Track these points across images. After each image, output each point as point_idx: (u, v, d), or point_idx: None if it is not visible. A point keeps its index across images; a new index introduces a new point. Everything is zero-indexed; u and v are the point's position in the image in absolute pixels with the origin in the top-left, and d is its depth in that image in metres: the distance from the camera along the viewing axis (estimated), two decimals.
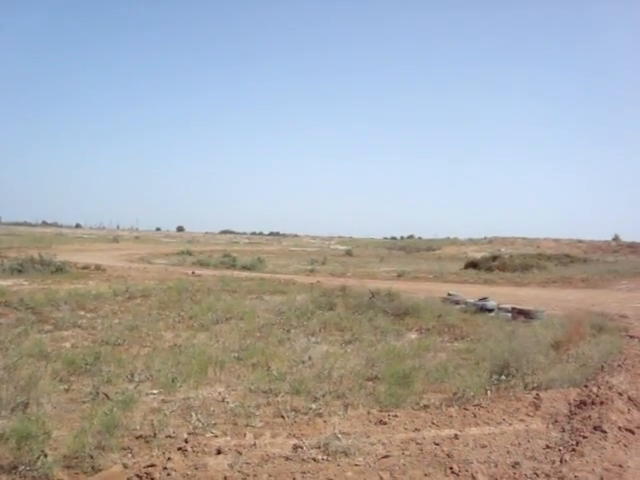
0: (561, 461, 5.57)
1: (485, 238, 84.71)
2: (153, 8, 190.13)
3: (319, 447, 5.73)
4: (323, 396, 7.67)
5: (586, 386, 8.33)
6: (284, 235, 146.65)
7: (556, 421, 6.95)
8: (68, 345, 10.82)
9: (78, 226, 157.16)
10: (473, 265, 40.73)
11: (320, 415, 6.98)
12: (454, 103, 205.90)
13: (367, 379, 8.83)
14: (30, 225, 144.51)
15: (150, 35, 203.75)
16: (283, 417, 6.90)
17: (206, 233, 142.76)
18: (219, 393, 7.92)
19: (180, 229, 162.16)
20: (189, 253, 50.11)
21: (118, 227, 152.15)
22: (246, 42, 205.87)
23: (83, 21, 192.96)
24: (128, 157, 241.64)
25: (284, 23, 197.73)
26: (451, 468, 5.40)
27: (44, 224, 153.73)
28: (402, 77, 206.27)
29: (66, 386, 8.05)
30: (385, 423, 6.67)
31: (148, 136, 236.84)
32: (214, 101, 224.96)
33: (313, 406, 7.26)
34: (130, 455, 5.66)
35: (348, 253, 67.17)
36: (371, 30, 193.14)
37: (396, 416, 6.93)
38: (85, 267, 30.26)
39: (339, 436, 5.96)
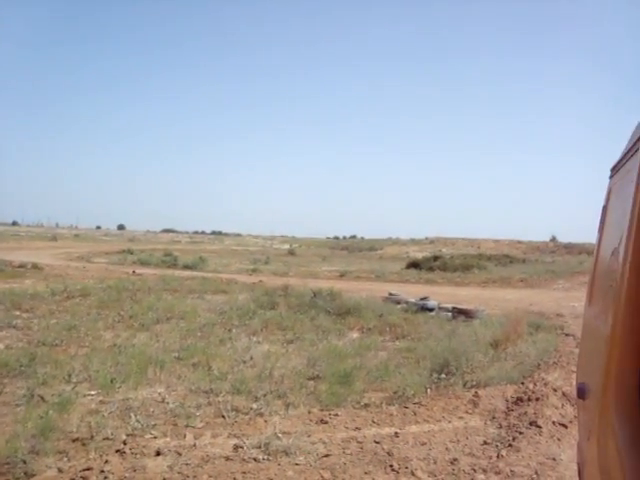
0: (498, 456, 5.69)
1: (427, 238, 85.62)
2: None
3: (260, 447, 5.72)
4: (264, 396, 7.67)
5: (523, 383, 8.53)
6: (226, 234, 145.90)
7: (494, 418, 7.08)
8: (1, 346, 10.53)
9: (15, 223, 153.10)
10: (414, 265, 41.09)
11: (261, 415, 6.97)
12: (384, 99, 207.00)
13: (308, 378, 8.84)
14: None
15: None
16: (224, 417, 6.86)
17: (147, 232, 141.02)
18: (159, 393, 7.83)
19: (121, 227, 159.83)
20: (130, 252, 49.34)
21: (57, 225, 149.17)
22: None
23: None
24: (68, 153, 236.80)
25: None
26: (391, 466, 5.45)
27: None
28: (352, 71, 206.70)
29: None
30: (326, 422, 6.70)
31: (90, 132, 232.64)
32: (155, 97, 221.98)
33: (254, 406, 7.25)
34: (66, 459, 5.54)
35: (291, 252, 67.06)
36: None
37: (337, 415, 6.97)
38: (21, 266, 29.49)
39: (280, 435, 5.97)
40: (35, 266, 29.33)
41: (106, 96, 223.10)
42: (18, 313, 14.19)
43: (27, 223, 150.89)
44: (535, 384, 8.35)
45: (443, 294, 21.39)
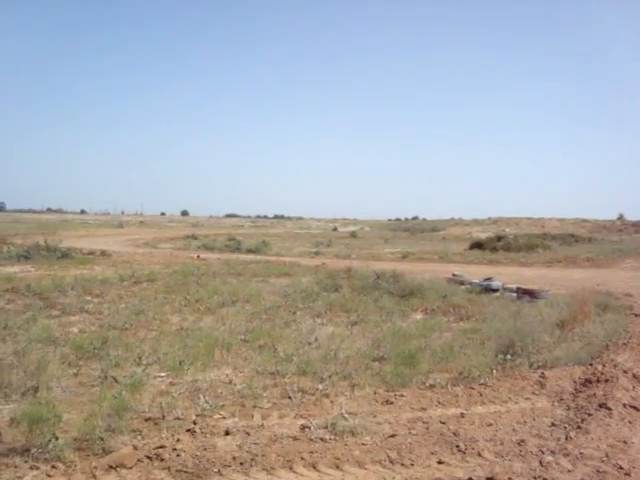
0: (566, 438, 5.62)
1: (489, 218, 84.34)
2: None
3: (326, 427, 5.79)
4: (330, 377, 7.73)
5: (591, 364, 8.37)
6: (288, 218, 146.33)
7: (561, 399, 6.99)
8: (76, 330, 10.89)
9: (83, 212, 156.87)
10: (478, 245, 40.63)
11: (327, 395, 7.04)
12: (457, 86, 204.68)
13: (373, 359, 8.87)
14: (35, 212, 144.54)
15: (150, 22, 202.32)
16: (290, 398, 6.94)
17: (210, 217, 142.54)
18: (226, 375, 7.98)
19: (184, 213, 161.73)
20: (194, 237, 50.08)
21: (123, 212, 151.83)
22: (246, 26, 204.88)
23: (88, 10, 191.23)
24: (132, 142, 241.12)
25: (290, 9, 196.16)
26: (457, 446, 5.45)
27: (49, 211, 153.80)
28: (406, 62, 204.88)
29: (75, 370, 8.11)
30: (392, 403, 6.73)
31: (152, 121, 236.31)
32: (216, 86, 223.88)
33: (320, 387, 7.32)
34: (140, 437, 5.71)
35: (353, 235, 66.90)
36: (378, 16, 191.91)
37: (402, 396, 6.98)
38: (91, 253, 30.32)
39: (346, 416, 6.02)
40: (103, 253, 30.10)
41: (169, 85, 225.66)
42: (89, 298, 14.62)
43: (94, 211, 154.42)
44: (604, 365, 8.18)
45: (507, 274, 21.11)
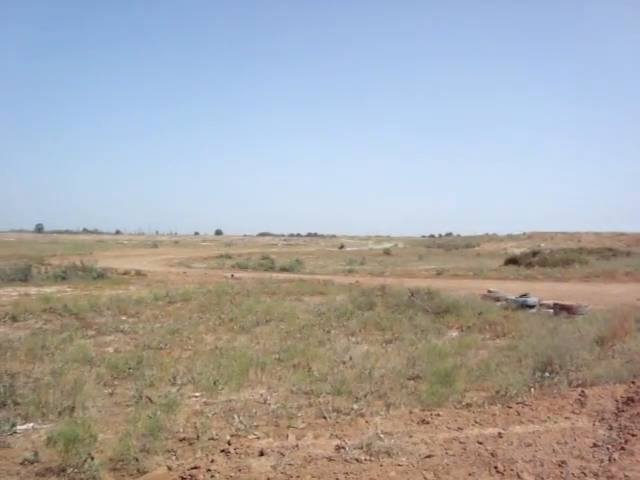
0: (610, 460, 5.46)
1: (524, 234, 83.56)
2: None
3: (362, 447, 5.70)
4: (365, 396, 7.64)
5: (633, 382, 8.14)
6: (322, 236, 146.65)
7: (603, 419, 6.81)
8: (111, 350, 10.97)
9: (118, 232, 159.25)
10: (513, 261, 40.24)
11: (362, 415, 6.95)
12: (490, 102, 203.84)
13: (409, 378, 8.77)
14: (72, 233, 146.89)
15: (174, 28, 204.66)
16: (325, 418, 6.88)
17: (244, 236, 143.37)
18: (261, 395, 7.94)
19: (218, 233, 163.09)
20: (228, 256, 50.35)
21: (157, 232, 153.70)
22: (268, 40, 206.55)
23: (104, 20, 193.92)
24: (166, 163, 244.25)
25: (309, 21, 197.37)
26: (496, 467, 5.33)
27: (85, 231, 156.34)
28: (435, 77, 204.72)
29: (110, 390, 8.15)
30: (427, 422, 6.62)
31: (186, 142, 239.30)
32: (248, 107, 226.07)
33: (355, 406, 7.24)
34: (174, 457, 5.71)
35: (386, 252, 66.73)
36: (392, 29, 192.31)
37: (439, 415, 6.87)
38: (126, 273, 30.68)
39: (381, 436, 5.93)
40: (138, 273, 30.43)
41: (204, 105, 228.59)
42: (124, 318, 14.75)
43: (129, 232, 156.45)
44: None
45: (543, 290, 20.84)
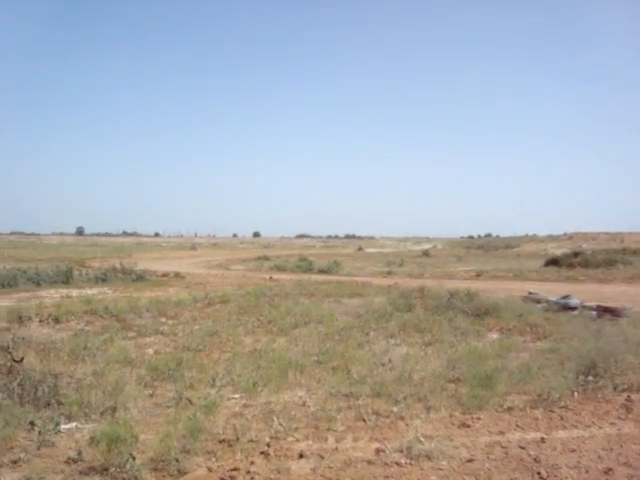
0: None
1: (565, 234, 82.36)
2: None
3: (402, 451, 5.67)
4: (404, 399, 7.59)
5: None
6: (360, 237, 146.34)
7: None
8: (151, 351, 11.06)
9: (157, 235, 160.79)
10: (553, 262, 39.67)
11: (402, 418, 6.90)
12: (533, 99, 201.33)
13: (448, 381, 8.68)
14: (112, 235, 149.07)
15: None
16: (364, 421, 6.84)
17: (282, 238, 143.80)
18: (300, 397, 7.93)
19: (256, 234, 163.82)
20: (266, 258, 50.46)
21: (196, 234, 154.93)
22: (323, 37, 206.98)
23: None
24: (205, 166, 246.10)
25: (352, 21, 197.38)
26: (539, 473, 5.24)
27: (124, 234, 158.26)
28: (474, 77, 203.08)
29: (150, 391, 8.21)
30: (468, 426, 6.56)
31: (224, 145, 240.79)
32: (283, 105, 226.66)
33: (394, 409, 7.19)
34: (214, 459, 5.72)
35: (425, 253, 66.38)
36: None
37: (479, 419, 6.80)
38: (165, 275, 31.00)
39: (422, 439, 5.88)
40: (177, 275, 30.72)
41: (238, 107, 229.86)
42: (164, 320, 14.87)
43: (168, 234, 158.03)
44: None
45: (585, 292, 20.48)
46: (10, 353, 7.80)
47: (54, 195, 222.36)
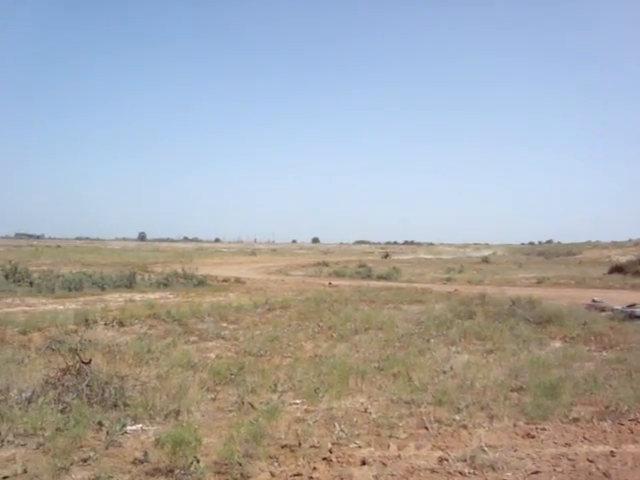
0: None
1: (630, 240, 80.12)
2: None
3: (465, 460, 5.60)
4: (467, 407, 7.51)
5: None
6: (419, 244, 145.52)
7: None
8: (213, 356, 11.18)
9: (217, 240, 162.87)
10: (618, 269, 38.76)
11: (464, 427, 6.83)
12: (583, 104, 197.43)
13: (511, 390, 8.54)
14: (173, 241, 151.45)
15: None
16: (427, 428, 6.79)
17: (340, 244, 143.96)
18: (361, 403, 7.91)
19: (315, 240, 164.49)
20: (325, 264, 50.55)
21: (255, 240, 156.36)
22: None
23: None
24: (265, 172, 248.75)
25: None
26: None
27: (185, 239, 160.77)
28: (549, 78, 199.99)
29: (213, 395, 8.31)
30: (533, 436, 6.44)
31: (283, 151, 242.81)
32: (345, 109, 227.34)
33: (457, 417, 7.13)
34: (276, 464, 5.75)
35: (485, 260, 65.63)
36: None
37: (544, 429, 6.67)
38: (225, 280, 31.31)
39: (485, 449, 5.81)
40: (237, 280, 30.99)
41: (303, 113, 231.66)
42: (225, 324, 15.03)
43: (228, 240, 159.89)
44: None
45: None
46: (79, 355, 7.98)
47: (117, 202, 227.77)
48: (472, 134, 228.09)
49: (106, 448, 6.13)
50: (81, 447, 6.07)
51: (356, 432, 6.63)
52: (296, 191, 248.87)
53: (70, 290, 23.76)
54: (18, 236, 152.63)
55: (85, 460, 5.74)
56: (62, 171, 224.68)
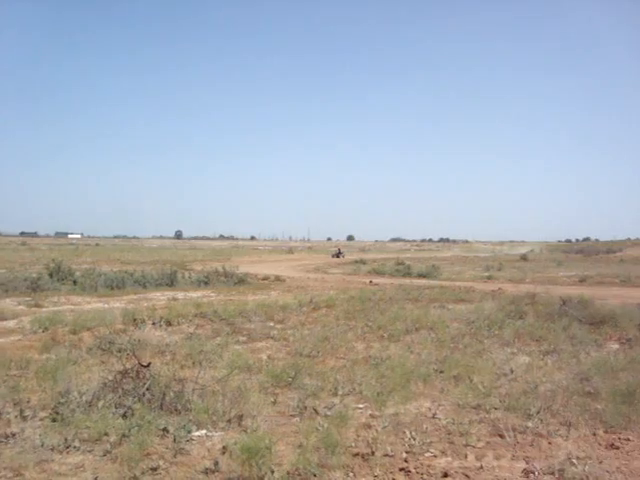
0: None
1: None
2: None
3: (553, 473, 5.33)
4: (537, 413, 7.21)
5: None
6: (454, 241, 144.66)
7: None
8: (264, 357, 11.00)
9: (253, 238, 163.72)
10: None
11: (540, 435, 6.53)
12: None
13: (580, 395, 8.19)
14: (208, 239, 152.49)
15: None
16: (501, 436, 6.52)
17: (376, 241, 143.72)
18: (428, 408, 7.65)
19: (350, 238, 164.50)
20: (362, 262, 50.34)
21: (290, 238, 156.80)
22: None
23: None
24: (299, 171, 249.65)
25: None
26: None
27: (221, 237, 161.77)
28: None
29: (272, 399, 8.09)
30: (617, 447, 6.12)
31: (316, 151, 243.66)
32: (381, 117, 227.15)
33: (529, 424, 6.84)
34: (352, 474, 5.53)
35: (523, 258, 64.79)
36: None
37: (628, 440, 6.33)
38: (265, 278, 31.26)
39: (574, 461, 5.51)
40: (277, 278, 30.94)
41: (340, 118, 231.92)
42: (272, 324, 14.88)
43: (264, 237, 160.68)
44: None
45: None
46: (137, 357, 7.85)
47: (154, 200, 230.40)
48: (509, 132, 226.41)
49: (174, 456, 5.95)
50: (148, 455, 5.89)
51: (428, 440, 6.38)
52: (331, 190, 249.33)
53: (112, 288, 23.85)
54: (58, 235, 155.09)
55: (154, 469, 5.56)
56: (99, 171, 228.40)
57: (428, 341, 12.22)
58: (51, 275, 25.36)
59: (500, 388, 8.48)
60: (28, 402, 7.54)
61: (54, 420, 6.83)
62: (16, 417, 6.96)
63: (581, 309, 15.66)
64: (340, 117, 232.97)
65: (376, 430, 6.72)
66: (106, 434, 6.32)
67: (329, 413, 7.09)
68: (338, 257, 67.62)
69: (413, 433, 6.50)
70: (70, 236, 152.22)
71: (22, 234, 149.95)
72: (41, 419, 6.98)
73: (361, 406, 7.80)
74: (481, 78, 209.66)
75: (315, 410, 7.42)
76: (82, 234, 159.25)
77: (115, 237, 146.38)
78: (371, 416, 7.39)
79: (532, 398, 7.88)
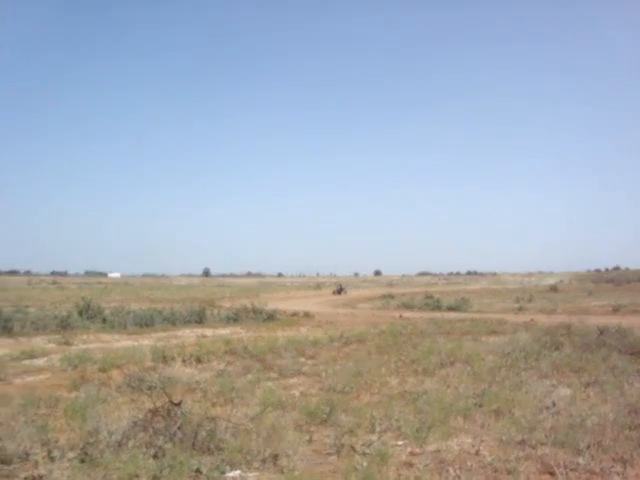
0: None
1: None
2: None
3: None
4: (587, 448, 6.85)
5: None
6: (481, 274, 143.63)
7: None
8: (297, 393, 10.77)
9: (280, 275, 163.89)
10: None
11: (594, 472, 6.18)
12: None
13: (630, 429, 7.79)
14: (236, 276, 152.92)
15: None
16: (552, 474, 6.18)
17: (403, 275, 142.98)
18: (470, 444, 7.31)
19: (377, 273, 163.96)
20: (391, 296, 50.18)
21: (317, 274, 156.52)
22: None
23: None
24: (326, 207, 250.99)
25: None
26: None
27: (249, 274, 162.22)
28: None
29: (308, 437, 7.82)
30: None
31: (344, 187, 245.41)
32: (407, 150, 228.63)
33: (580, 460, 6.50)
34: None
35: (553, 288, 64.09)
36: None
37: None
38: (294, 314, 31.12)
39: None
40: (306, 314, 30.78)
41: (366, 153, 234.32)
42: (303, 360, 14.63)
43: (291, 274, 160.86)
44: None
45: None
46: (168, 395, 7.63)
47: (181, 238, 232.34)
48: (533, 163, 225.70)
49: None
50: None
51: (474, 478, 6.07)
52: (357, 225, 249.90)
53: (142, 326, 23.81)
54: (88, 274, 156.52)
55: None
56: (127, 210, 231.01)
57: (464, 374, 11.88)
58: (80, 313, 25.47)
59: (544, 422, 8.12)
60: (56, 442, 7.31)
61: (83, 461, 6.62)
62: (44, 458, 6.75)
63: (620, 338, 15.29)
64: (363, 151, 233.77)
65: (418, 468, 6.43)
66: (137, 475, 6.09)
67: (367, 451, 6.81)
68: (339, 294, 65.46)
69: (457, 471, 6.19)
70: (110, 275, 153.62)
71: (53, 273, 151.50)
72: (69, 460, 6.75)
73: (400, 443, 7.49)
74: (513, 111, 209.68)
75: (353, 448, 7.13)
76: (111, 272, 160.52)
77: (144, 275, 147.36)
78: (411, 453, 7.08)
79: (580, 432, 7.49)
